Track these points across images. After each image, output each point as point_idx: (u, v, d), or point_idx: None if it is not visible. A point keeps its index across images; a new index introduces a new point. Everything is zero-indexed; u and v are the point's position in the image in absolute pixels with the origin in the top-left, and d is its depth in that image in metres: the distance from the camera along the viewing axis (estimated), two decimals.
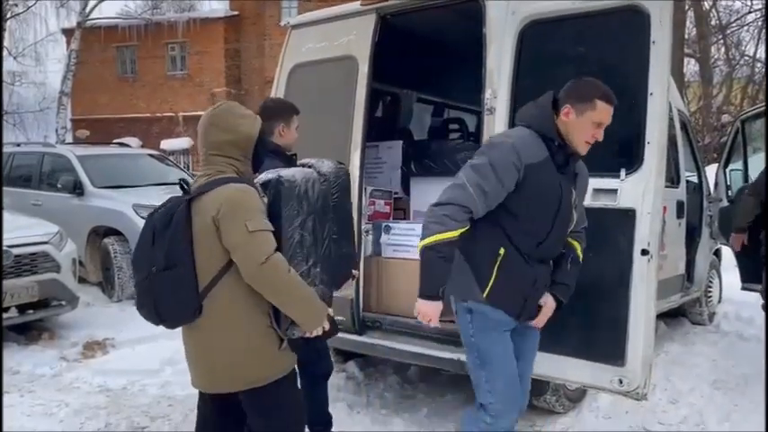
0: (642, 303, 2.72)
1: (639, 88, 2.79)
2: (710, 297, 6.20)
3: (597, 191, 2.84)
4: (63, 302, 5.64)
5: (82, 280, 7.52)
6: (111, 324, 5.89)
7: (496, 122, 3.15)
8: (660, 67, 2.74)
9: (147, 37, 23.41)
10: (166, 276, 2.09)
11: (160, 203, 2.24)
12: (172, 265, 2.09)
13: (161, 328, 5.53)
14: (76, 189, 7.40)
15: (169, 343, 5.22)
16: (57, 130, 18.79)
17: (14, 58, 22.42)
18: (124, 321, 6.01)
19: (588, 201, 2.84)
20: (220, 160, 2.23)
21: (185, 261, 2.09)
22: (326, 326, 2.28)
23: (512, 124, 3.09)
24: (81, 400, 4.17)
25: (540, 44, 3.13)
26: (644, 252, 2.71)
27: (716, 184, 5.99)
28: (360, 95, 3.80)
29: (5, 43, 19.67)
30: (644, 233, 2.72)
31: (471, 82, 4.12)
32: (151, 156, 9.29)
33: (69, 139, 19.87)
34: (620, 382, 2.74)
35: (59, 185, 7.47)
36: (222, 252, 2.12)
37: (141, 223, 6.55)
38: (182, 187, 2.25)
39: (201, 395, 2.45)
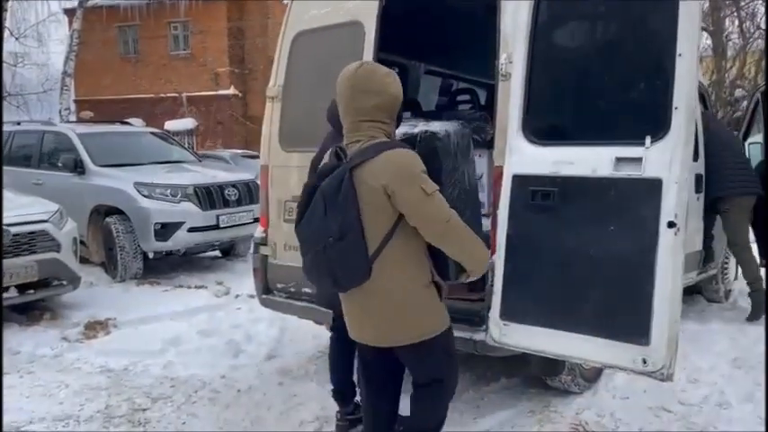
0: (668, 278, 2.55)
1: (667, 48, 2.59)
2: (727, 274, 6.04)
3: (620, 160, 2.66)
4: (64, 282, 5.53)
5: (84, 260, 7.44)
6: (114, 304, 5.79)
7: (512, 89, 2.97)
8: (690, 25, 2.54)
9: (148, 16, 23.12)
10: (342, 246, 2.15)
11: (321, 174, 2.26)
12: (344, 234, 2.14)
13: (164, 308, 5.49)
14: (77, 168, 7.29)
15: (173, 324, 5.18)
16: (60, 112, 18.63)
17: (16, 38, 22.19)
18: (127, 302, 5.93)
19: (610, 170, 2.68)
20: (370, 125, 2.22)
21: (357, 229, 2.14)
22: None
23: (529, 91, 2.92)
24: (81, 381, 4.06)
25: (560, 2, 2.93)
26: (671, 224, 2.54)
27: None
28: None
29: (7, 24, 19.42)
30: (671, 204, 2.54)
31: (483, 53, 3.95)
32: (153, 134, 9.16)
33: (73, 120, 19.72)
34: (644, 361, 2.58)
35: (60, 164, 7.35)
36: (389, 217, 2.17)
37: (143, 202, 6.77)
38: (337, 156, 2.23)
39: (361, 348, 2.55)
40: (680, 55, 2.57)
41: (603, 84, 2.80)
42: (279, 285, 4.05)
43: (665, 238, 2.55)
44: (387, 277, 2.21)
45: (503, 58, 3.08)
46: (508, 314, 2.89)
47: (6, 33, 19.36)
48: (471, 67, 5.40)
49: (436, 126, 2.27)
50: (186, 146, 22.80)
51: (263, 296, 4.12)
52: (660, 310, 2.56)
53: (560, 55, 2.91)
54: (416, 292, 2.28)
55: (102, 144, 7.71)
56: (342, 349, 3.29)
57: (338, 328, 3.21)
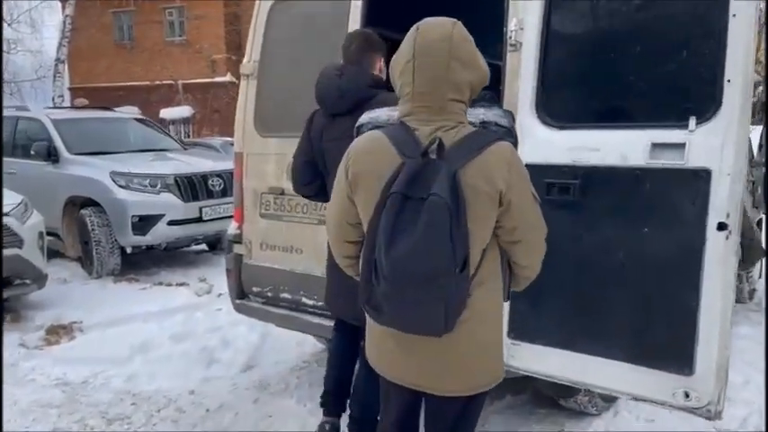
0: (718, 293, 2.08)
1: (718, 9, 2.10)
2: (751, 272, 5.55)
3: (657, 146, 2.18)
4: (27, 281, 5.05)
5: (60, 254, 7.01)
6: (84, 304, 5.32)
7: (524, 60, 2.47)
8: None
9: (143, 1, 22.57)
10: (462, 277, 1.61)
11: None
12: (466, 260, 1.60)
13: (138, 308, 4.99)
14: (51, 156, 6.80)
15: (144, 327, 4.72)
16: (53, 99, 18.25)
17: (9, 24, 21.82)
18: (99, 301, 5.48)
19: (645, 159, 2.19)
20: (458, 107, 1.67)
21: (468, 251, 1.62)
22: None
23: (544, 62, 2.42)
24: (33, 395, 3.60)
25: None
26: (721, 226, 2.06)
27: (759, 147, 5.30)
28: None
29: None
30: (722, 201, 2.06)
31: (489, 26, 3.44)
32: (138, 120, 8.66)
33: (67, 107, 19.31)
34: (686, 395, 2.11)
35: (33, 152, 6.85)
36: (489, 229, 1.66)
37: (119, 193, 6.22)
38: (404, 146, 1.64)
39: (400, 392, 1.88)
40: (734, 15, 2.08)
41: (637, 51, 2.27)
42: (255, 289, 3.58)
43: (714, 242, 2.07)
44: (479, 304, 1.68)
45: (512, 24, 2.57)
46: (517, 332, 2.41)
47: None
48: (477, 44, 4.88)
49: (491, 115, 1.75)
50: (182, 134, 22.58)
51: (237, 301, 3.64)
52: (707, 331, 2.08)
53: (583, 18, 2.40)
54: (499, 325, 1.79)
55: (79, 131, 7.21)
56: (345, 346, 2.85)
57: (343, 330, 2.81)
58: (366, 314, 1.75)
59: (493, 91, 3.24)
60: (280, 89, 3.45)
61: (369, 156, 1.69)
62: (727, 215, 2.05)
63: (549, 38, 2.42)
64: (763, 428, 3.13)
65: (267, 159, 3.47)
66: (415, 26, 1.68)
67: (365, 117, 1.95)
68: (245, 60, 3.58)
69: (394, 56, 1.74)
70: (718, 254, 2.06)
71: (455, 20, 1.68)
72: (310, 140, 2.71)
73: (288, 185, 3.39)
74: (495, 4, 2.85)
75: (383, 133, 1.69)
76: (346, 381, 2.81)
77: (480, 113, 1.78)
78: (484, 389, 1.78)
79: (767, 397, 3.05)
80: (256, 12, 3.54)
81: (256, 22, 3.53)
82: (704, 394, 2.08)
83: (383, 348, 1.80)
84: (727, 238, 2.05)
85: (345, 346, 2.81)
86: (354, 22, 3.13)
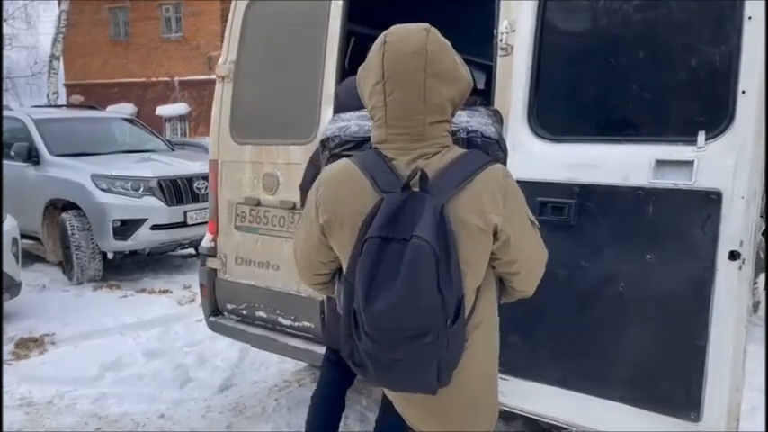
0: (729, 329, 1.85)
1: (731, 11, 1.87)
2: (756, 284, 5.33)
3: (662, 164, 1.95)
4: None
5: (41, 259, 6.78)
6: (60, 314, 5.10)
7: (515, 66, 2.23)
8: None
9: None
10: (456, 328, 1.38)
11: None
12: (459, 308, 1.37)
13: (114, 320, 4.77)
14: (32, 157, 6.58)
15: (119, 340, 4.53)
16: (48, 96, 18.07)
17: (5, 20, 21.60)
18: (76, 310, 5.25)
19: (648, 178, 1.96)
20: (440, 130, 1.41)
21: (463, 296, 1.40)
22: None
23: (538, 68, 2.19)
24: None
25: None
26: (733, 255, 1.84)
27: None
28: (332, 36, 2.90)
29: None
30: (735, 227, 1.84)
31: (482, 26, 3.22)
32: (125, 120, 8.43)
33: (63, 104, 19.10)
34: None
35: (12, 153, 6.61)
36: (483, 265, 1.43)
37: (100, 196, 5.95)
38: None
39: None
40: (749, 18, 1.85)
41: (641, 57, 2.04)
42: (229, 306, 3.35)
43: (725, 273, 1.85)
44: (474, 354, 1.47)
45: (503, 26, 2.34)
46: (507, 366, 2.15)
47: None
48: (467, 44, 4.64)
49: (476, 123, 1.52)
50: (179, 133, 22.34)
51: (211, 318, 3.41)
52: (716, 372, 1.86)
53: (581, 19, 2.17)
54: (496, 361, 1.60)
55: (61, 131, 6.99)
56: (338, 396, 2.47)
57: (338, 364, 2.38)
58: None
59: (484, 97, 3.04)
60: (257, 93, 3.23)
61: (340, 191, 1.43)
62: (741, 243, 1.83)
63: (543, 41, 2.19)
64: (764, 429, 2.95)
65: (242, 168, 3.24)
66: (381, 36, 1.41)
67: (333, 128, 1.72)
68: (220, 61, 3.34)
69: (360, 68, 1.48)
70: (730, 286, 1.84)
71: (427, 25, 1.41)
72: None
73: (264, 196, 3.18)
74: (485, 2, 2.62)
75: (356, 165, 1.43)
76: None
77: (464, 122, 1.55)
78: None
79: (767, 397, 2.91)
80: (232, 11, 3.30)
81: (232, 23, 3.29)
82: None
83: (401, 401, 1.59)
84: (740, 268, 1.83)
85: (339, 392, 2.44)
86: (336, 20, 2.91)
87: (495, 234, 1.39)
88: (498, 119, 1.66)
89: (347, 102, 2.27)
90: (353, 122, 1.65)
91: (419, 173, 1.34)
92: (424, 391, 1.42)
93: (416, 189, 1.34)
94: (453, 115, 1.48)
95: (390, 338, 1.32)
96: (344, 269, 1.42)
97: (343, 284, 1.41)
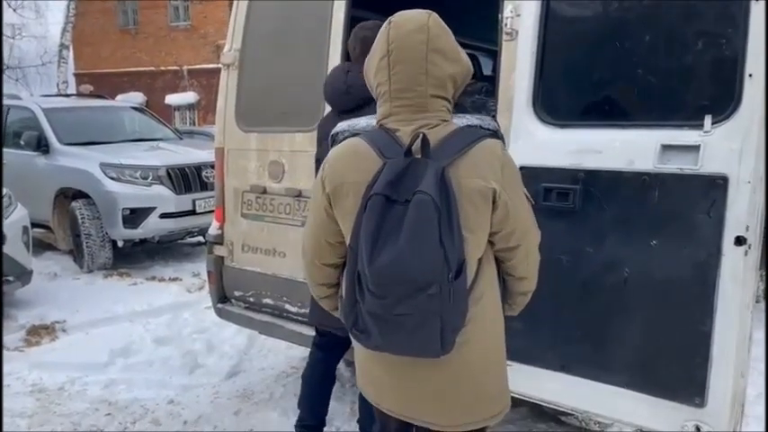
0: (734, 315, 1.84)
1: None
2: (762, 269, 5.30)
3: (668, 148, 1.94)
4: (10, 278, 4.84)
5: (52, 247, 6.84)
6: (71, 302, 5.14)
7: (520, 51, 2.22)
8: None
9: None
10: (457, 285, 1.43)
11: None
12: (461, 266, 1.43)
13: (124, 307, 4.83)
14: (41, 146, 6.62)
15: (129, 328, 4.57)
16: (57, 85, 18.16)
17: (14, 10, 21.68)
18: (86, 298, 5.30)
19: (653, 163, 1.95)
20: (441, 104, 1.50)
21: (464, 256, 1.45)
22: None
23: (542, 53, 2.17)
24: (6, 403, 3.39)
25: None
26: (740, 240, 1.82)
27: None
28: (337, 23, 2.89)
29: None
30: (740, 212, 1.82)
31: (487, 10, 3.19)
32: (134, 108, 8.46)
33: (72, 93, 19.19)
34: (697, 429, 1.88)
35: (22, 142, 6.66)
36: (485, 232, 1.48)
37: (110, 185, 6.01)
38: (382, 145, 1.47)
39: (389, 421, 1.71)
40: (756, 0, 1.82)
41: (646, 41, 2.02)
42: (236, 293, 3.37)
43: (731, 258, 1.84)
44: (479, 325, 1.49)
45: (508, 10, 2.32)
46: (510, 352, 2.17)
47: (4, 5, 18.81)
48: (475, 29, 4.60)
49: (475, 120, 1.55)
50: (188, 121, 22.38)
51: (219, 305, 3.44)
52: (721, 358, 1.86)
53: (586, 5, 2.15)
54: (502, 342, 1.62)
55: (70, 120, 7.02)
56: (324, 373, 2.68)
57: (323, 346, 2.63)
58: (354, 340, 1.55)
59: (490, 83, 3.02)
60: (262, 81, 3.23)
61: (347, 163, 1.51)
62: (747, 228, 1.81)
63: (548, 26, 2.17)
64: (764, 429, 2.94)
65: (248, 156, 3.25)
66: (386, 21, 1.50)
67: (343, 124, 1.74)
68: (225, 49, 3.35)
69: (367, 57, 1.55)
70: (736, 271, 1.83)
71: (429, 11, 1.49)
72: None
73: (270, 184, 3.19)
74: None
75: (361, 138, 1.52)
76: (323, 415, 2.68)
77: (464, 121, 1.58)
78: (488, 422, 1.58)
79: (767, 397, 2.88)
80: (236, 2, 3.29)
81: (237, 7, 3.29)
82: (718, 427, 1.85)
83: (371, 375, 1.62)
84: (745, 253, 1.82)
85: (325, 369, 2.63)
86: (340, 6, 2.89)
87: (495, 202, 1.44)
88: (496, 123, 1.68)
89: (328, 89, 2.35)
90: (363, 120, 1.68)
91: (421, 137, 1.41)
92: (428, 355, 1.44)
93: (418, 156, 1.41)
94: (454, 98, 1.53)
95: (394, 292, 1.35)
96: (348, 238, 1.47)
97: (348, 250, 1.46)
